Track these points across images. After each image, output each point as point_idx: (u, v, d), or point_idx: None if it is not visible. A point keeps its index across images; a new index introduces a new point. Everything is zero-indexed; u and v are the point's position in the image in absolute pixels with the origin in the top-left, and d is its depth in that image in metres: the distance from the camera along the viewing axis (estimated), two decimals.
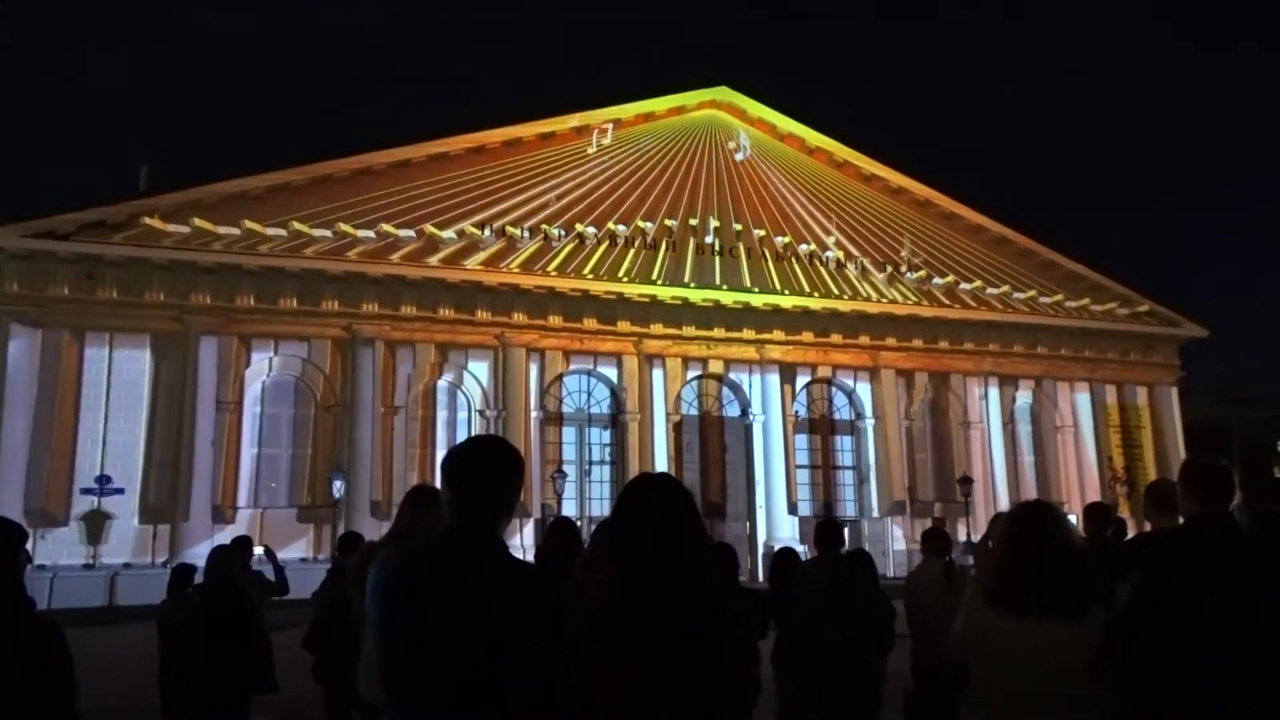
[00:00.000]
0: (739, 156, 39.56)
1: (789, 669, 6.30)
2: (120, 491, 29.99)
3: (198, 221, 31.58)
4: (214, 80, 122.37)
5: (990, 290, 41.99)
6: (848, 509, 39.09)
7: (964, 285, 41.52)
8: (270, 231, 32.41)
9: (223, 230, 31.95)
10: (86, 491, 29.70)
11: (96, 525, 29.82)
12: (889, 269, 40.50)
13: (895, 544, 36.90)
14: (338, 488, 31.25)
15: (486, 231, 35.06)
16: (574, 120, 37.36)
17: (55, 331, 30.27)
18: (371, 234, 33.60)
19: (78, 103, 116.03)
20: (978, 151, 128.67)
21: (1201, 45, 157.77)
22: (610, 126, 37.67)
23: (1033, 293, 42.77)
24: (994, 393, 41.43)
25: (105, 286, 30.77)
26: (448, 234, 34.53)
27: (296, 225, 32.70)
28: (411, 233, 34.06)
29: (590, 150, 37.33)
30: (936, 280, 41.11)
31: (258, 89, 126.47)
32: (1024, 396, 42.58)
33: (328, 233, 33.12)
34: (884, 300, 39.92)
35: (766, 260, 38.66)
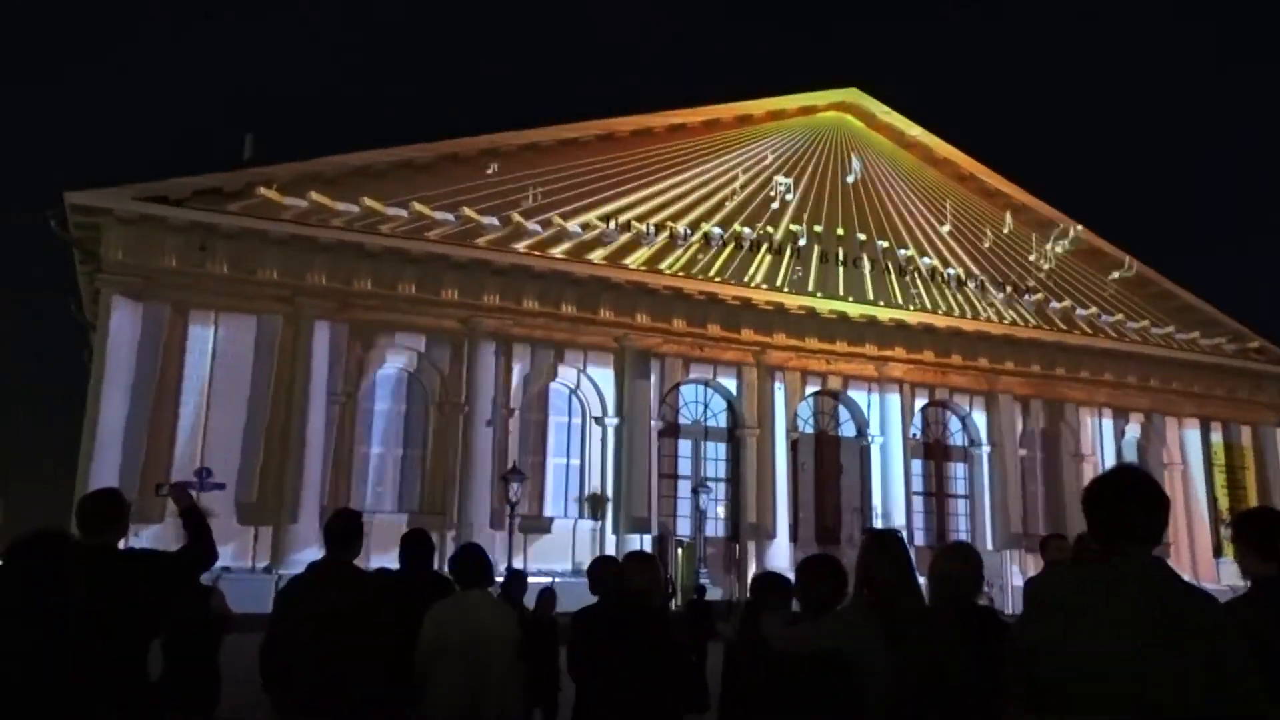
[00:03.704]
0: (849, 179, 37.32)
1: None
2: (221, 487, 27.09)
3: (316, 196, 28.95)
4: (317, 46, 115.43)
5: (1105, 318, 40.31)
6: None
7: (1080, 311, 39.83)
8: (390, 211, 29.85)
9: (341, 207, 29.35)
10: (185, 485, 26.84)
11: None
12: (1008, 289, 38.66)
13: (1014, 579, 34.91)
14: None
15: (612, 225, 32.69)
16: (704, 114, 35.15)
17: (158, 306, 27.48)
18: (495, 220, 31.11)
19: (173, 65, 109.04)
20: (1102, 174, 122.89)
21: None
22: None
23: (1145, 323, 41.14)
24: (1107, 425, 39.69)
25: (215, 260, 27.99)
26: (572, 225, 32.12)
27: (418, 206, 30.15)
28: (535, 223, 31.61)
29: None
30: (1054, 304, 39.37)
31: (370, 56, 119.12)
32: (1133, 430, 40.89)
33: (450, 216, 30.59)
34: (1004, 322, 38.05)
35: (890, 273, 36.63)
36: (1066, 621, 2.80)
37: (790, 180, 35.82)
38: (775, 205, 35.33)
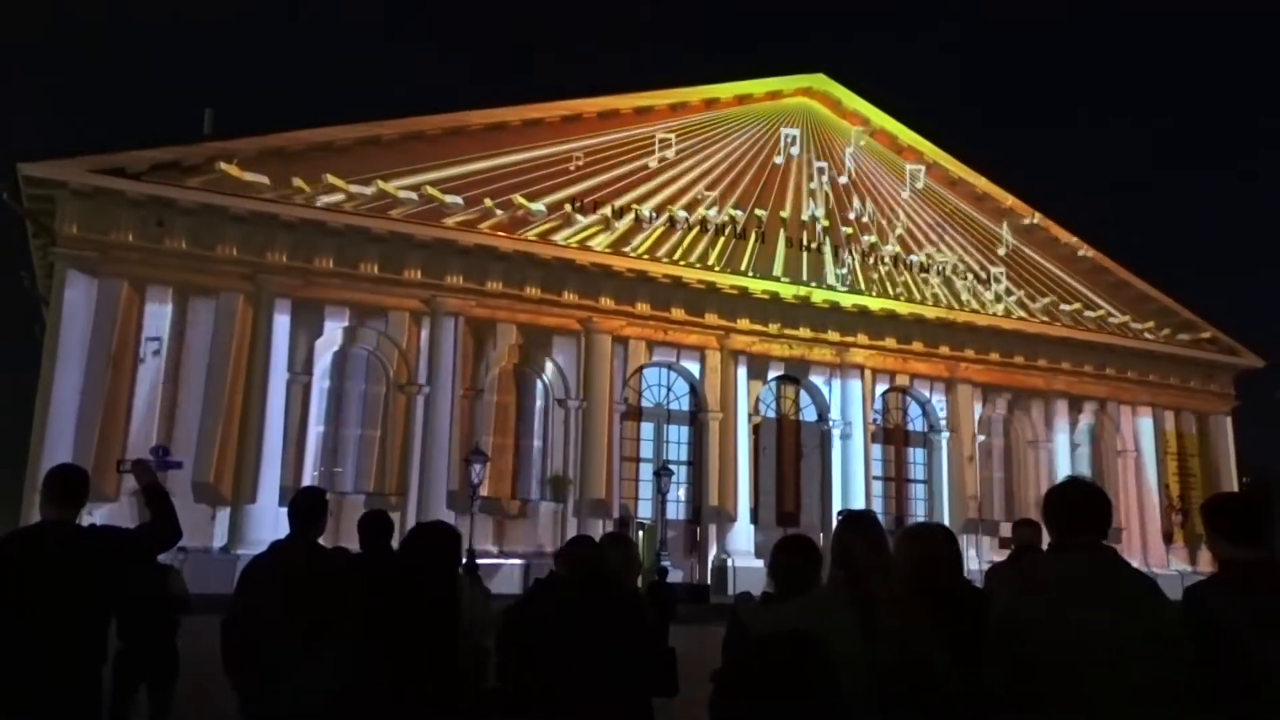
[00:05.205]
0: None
1: None
2: (179, 465, 26.63)
3: (277, 172, 28.49)
4: (273, 24, 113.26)
5: (1063, 307, 40.81)
6: None
7: (1039, 300, 40.28)
8: (354, 189, 29.48)
9: (302, 184, 28.91)
10: None
11: None
12: (970, 278, 39.01)
13: (970, 563, 35.28)
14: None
15: (577, 207, 32.52)
16: (670, 96, 35.03)
17: (114, 281, 26.91)
18: (459, 200, 30.82)
19: (130, 38, 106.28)
20: (1065, 165, 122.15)
21: None
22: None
23: (1102, 312, 41.69)
24: (1064, 412, 40.21)
25: (173, 236, 27.51)
26: (537, 206, 31.92)
27: (381, 184, 29.81)
28: (499, 204, 31.36)
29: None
30: (1014, 293, 39.78)
31: (326, 36, 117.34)
32: (1088, 418, 41.48)
33: (413, 195, 30.28)
34: (966, 309, 38.40)
35: (853, 259, 36.79)
36: (1053, 600, 3.29)
37: (749, 162, 35.81)
38: (739, 190, 35.28)
